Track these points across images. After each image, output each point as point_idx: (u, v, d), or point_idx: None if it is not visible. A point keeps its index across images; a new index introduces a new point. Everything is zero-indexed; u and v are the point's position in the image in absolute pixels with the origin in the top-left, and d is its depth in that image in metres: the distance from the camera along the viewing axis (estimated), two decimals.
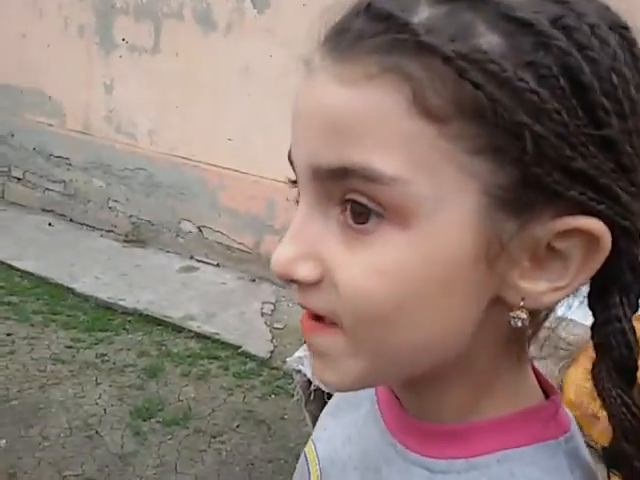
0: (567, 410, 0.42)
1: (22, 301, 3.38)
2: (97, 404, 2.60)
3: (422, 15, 0.32)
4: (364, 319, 0.34)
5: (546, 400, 0.41)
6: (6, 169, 4.86)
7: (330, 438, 0.50)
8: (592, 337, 0.37)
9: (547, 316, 0.40)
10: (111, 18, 4.20)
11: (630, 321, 0.35)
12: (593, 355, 1.09)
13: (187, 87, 3.94)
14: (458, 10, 0.32)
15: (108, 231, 4.46)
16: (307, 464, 0.51)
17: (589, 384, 1.05)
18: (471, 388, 0.40)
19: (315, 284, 0.35)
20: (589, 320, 0.39)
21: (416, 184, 0.32)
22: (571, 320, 1.22)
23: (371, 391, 0.48)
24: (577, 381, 0.97)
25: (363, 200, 0.33)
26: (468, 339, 0.36)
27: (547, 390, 0.42)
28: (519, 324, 0.35)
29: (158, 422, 2.51)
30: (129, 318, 3.33)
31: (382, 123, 0.32)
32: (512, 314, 0.35)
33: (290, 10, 3.40)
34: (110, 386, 2.73)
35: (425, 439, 0.41)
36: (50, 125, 4.59)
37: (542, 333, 0.42)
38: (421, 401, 0.41)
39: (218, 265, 4.07)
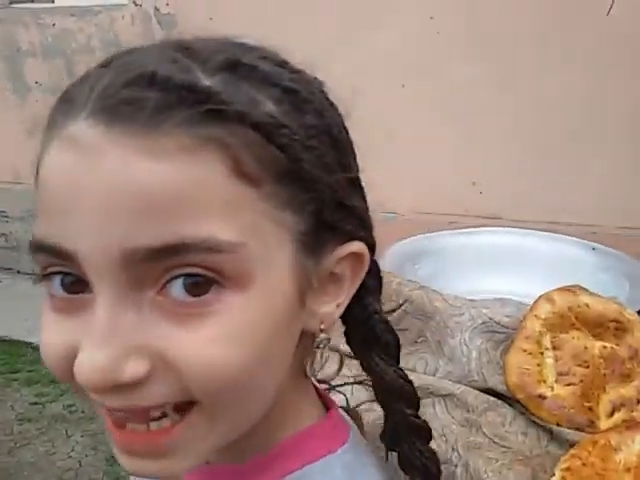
0: (346, 419, 0.45)
1: None
2: (71, 457, 2.52)
3: (209, 85, 0.33)
4: (224, 389, 0.33)
5: (325, 414, 0.44)
6: None
7: None
8: (350, 339, 0.43)
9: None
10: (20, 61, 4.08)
11: (383, 313, 0.43)
12: (528, 334, 1.08)
13: None
14: (232, 80, 0.34)
15: None
16: None
17: (531, 365, 1.05)
18: (270, 422, 0.40)
19: (143, 380, 0.33)
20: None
21: (250, 246, 0.33)
22: (501, 299, 1.23)
23: None
24: (518, 364, 0.97)
25: (200, 271, 0.32)
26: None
27: (326, 404, 0.45)
28: (326, 343, 0.40)
29: None
30: None
31: (209, 193, 0.32)
32: (319, 338, 0.40)
33: (197, 25, 3.35)
34: (82, 436, 2.64)
35: None
36: None
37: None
38: (224, 448, 0.40)
39: None
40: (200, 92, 0.33)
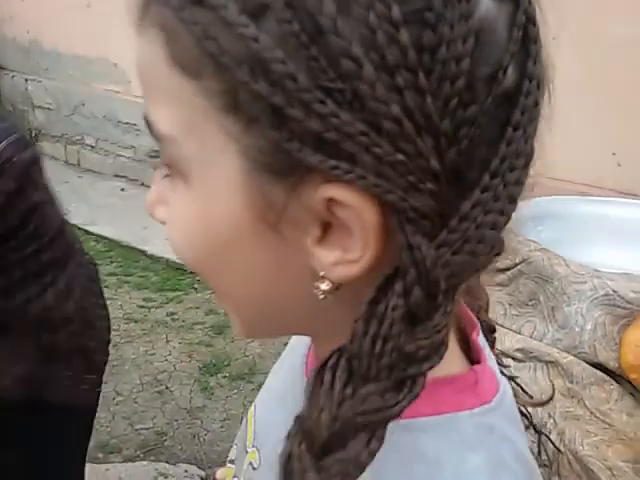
0: (498, 380, 0.38)
1: (97, 264, 3.51)
2: (167, 361, 2.70)
3: None
4: (192, 268, 0.36)
5: (468, 370, 0.38)
6: (80, 137, 5.03)
7: (267, 399, 0.50)
8: None
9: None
10: None
11: None
12: None
13: None
14: None
15: None
16: (246, 425, 0.51)
17: None
18: None
19: None
20: None
21: (183, 144, 0.32)
22: (629, 274, 1.14)
23: (304, 348, 0.47)
24: (636, 342, 0.91)
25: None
26: (319, 305, 0.32)
27: (477, 360, 0.39)
28: (320, 296, 0.31)
29: (225, 377, 2.58)
30: (198, 277, 3.35)
31: (153, 76, 0.32)
32: (315, 283, 0.31)
33: None
34: (180, 343, 2.82)
35: None
36: (117, 92, 4.69)
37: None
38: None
39: None
40: None
